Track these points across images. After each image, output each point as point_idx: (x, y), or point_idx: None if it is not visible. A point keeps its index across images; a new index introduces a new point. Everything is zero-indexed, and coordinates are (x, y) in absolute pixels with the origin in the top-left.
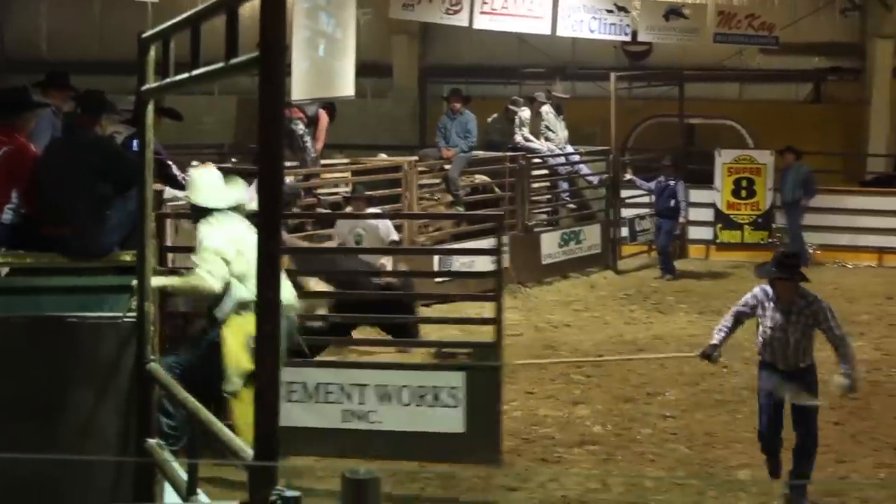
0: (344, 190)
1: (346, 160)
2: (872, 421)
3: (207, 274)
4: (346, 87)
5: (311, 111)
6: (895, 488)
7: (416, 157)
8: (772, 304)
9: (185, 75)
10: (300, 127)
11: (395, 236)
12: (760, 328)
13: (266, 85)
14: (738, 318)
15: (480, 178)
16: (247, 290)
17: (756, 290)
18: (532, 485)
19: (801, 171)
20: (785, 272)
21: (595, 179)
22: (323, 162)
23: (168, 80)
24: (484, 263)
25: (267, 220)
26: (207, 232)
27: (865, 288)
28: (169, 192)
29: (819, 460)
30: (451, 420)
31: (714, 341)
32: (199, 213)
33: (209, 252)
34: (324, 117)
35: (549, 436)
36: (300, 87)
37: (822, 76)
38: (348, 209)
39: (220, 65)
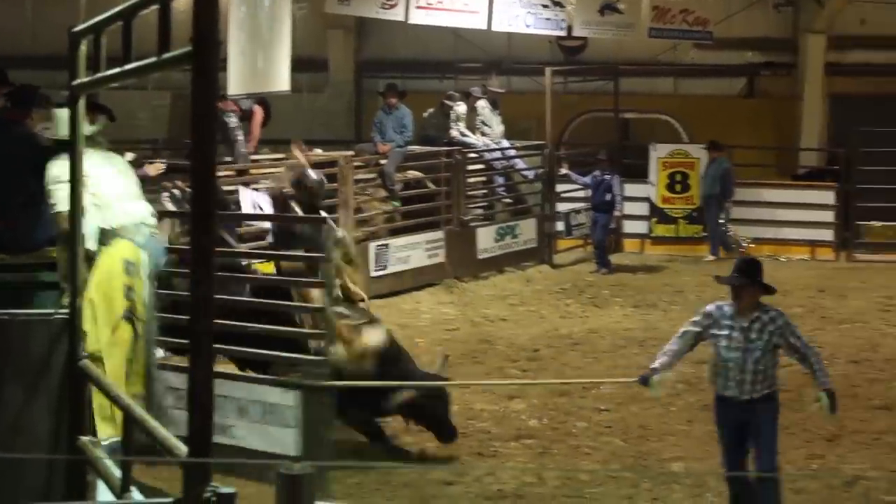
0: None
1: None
2: (804, 413)
3: (60, 203)
4: (281, 81)
5: (245, 105)
6: (828, 479)
7: (351, 152)
8: (728, 322)
9: (117, 70)
10: (233, 120)
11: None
12: (714, 353)
13: (199, 80)
14: (687, 339)
15: (413, 174)
16: (104, 220)
17: (709, 307)
18: (468, 479)
19: (721, 166)
20: (746, 278)
21: (531, 174)
22: (255, 157)
23: (100, 74)
24: (421, 258)
25: (200, 215)
26: (61, 164)
27: (798, 281)
28: None
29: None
30: (284, 441)
31: (654, 364)
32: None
33: (59, 182)
34: (258, 113)
35: (485, 430)
36: (236, 82)
37: (756, 71)
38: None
39: (153, 59)
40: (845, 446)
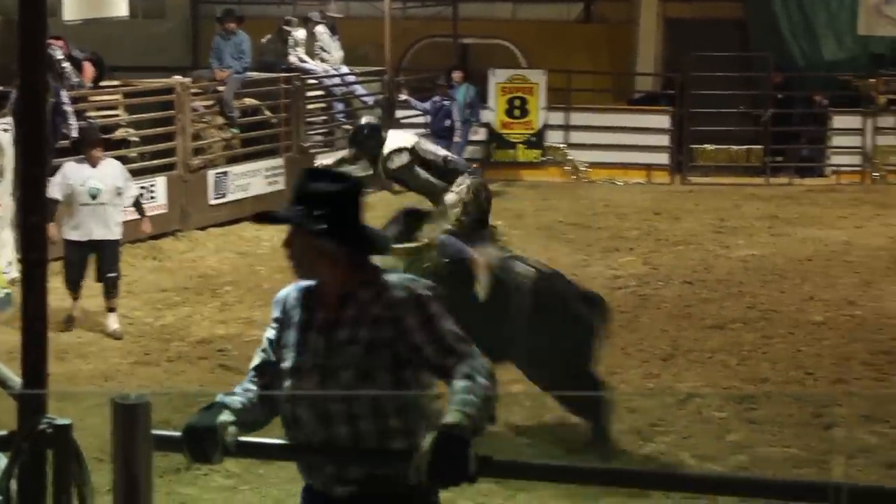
0: (115, 114)
1: (115, 82)
2: (640, 333)
3: None
4: (118, 6)
5: (77, 56)
6: (663, 397)
7: (189, 79)
8: (302, 316)
9: None
10: (58, 53)
11: (134, 189)
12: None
13: (27, 7)
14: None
15: (252, 101)
16: None
17: (283, 292)
18: None
19: (469, 91)
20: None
21: (370, 100)
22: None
23: None
24: (260, 186)
25: (30, 145)
26: None
27: (634, 204)
28: None
29: None
30: None
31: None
32: None
33: None
34: (88, 70)
35: None
36: (71, 7)
37: None
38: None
39: None
40: (679, 365)
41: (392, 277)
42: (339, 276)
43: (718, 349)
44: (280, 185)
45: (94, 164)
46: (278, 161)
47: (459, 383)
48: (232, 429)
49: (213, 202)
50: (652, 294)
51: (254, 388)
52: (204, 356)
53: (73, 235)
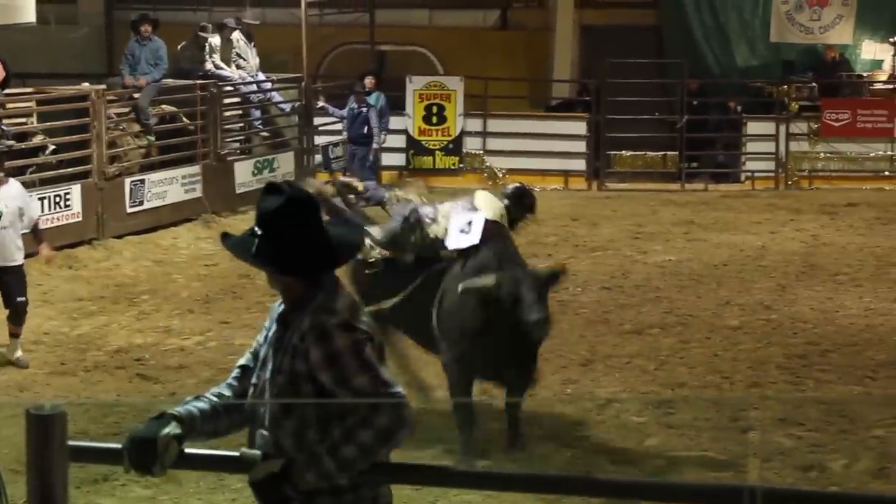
0: (28, 121)
1: (28, 90)
2: (559, 339)
3: None
4: (26, 13)
5: None
6: (582, 403)
7: (103, 86)
8: (273, 330)
9: None
10: None
11: (35, 211)
12: None
13: None
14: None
15: (168, 108)
16: None
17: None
18: None
19: (379, 99)
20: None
21: (287, 107)
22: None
23: None
24: (178, 193)
25: None
26: None
27: (552, 210)
28: None
29: None
30: None
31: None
32: None
33: None
34: None
35: None
36: None
37: (508, 3)
38: None
39: None
40: (598, 370)
41: (320, 300)
42: (288, 293)
43: (636, 354)
44: (197, 192)
45: None
46: (195, 168)
47: (337, 429)
48: (174, 444)
49: (129, 210)
50: (570, 300)
51: (228, 392)
52: (121, 366)
53: None
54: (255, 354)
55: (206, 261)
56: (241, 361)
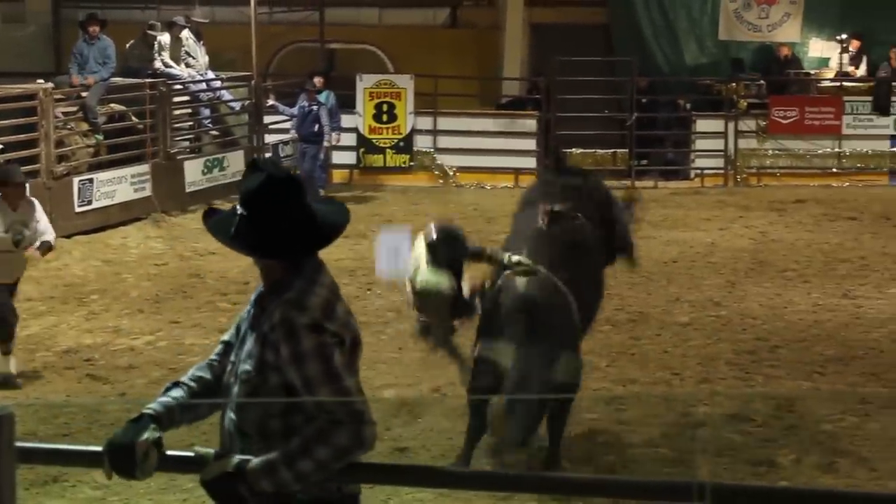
0: None
1: None
2: None
3: None
4: None
5: None
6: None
7: (51, 85)
8: (250, 310)
9: None
10: None
11: (51, 234)
12: None
13: None
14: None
15: (117, 107)
16: None
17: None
18: None
19: (329, 98)
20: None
21: (237, 106)
22: None
23: None
24: (127, 192)
25: None
26: None
27: (503, 208)
28: None
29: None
30: None
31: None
32: None
33: None
34: None
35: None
36: None
37: (458, 2)
38: None
39: None
40: None
41: (296, 290)
42: (268, 275)
43: (588, 351)
44: (146, 191)
45: (14, 207)
46: (144, 168)
47: (296, 441)
48: (153, 450)
49: (78, 209)
50: None
51: (207, 375)
52: (70, 366)
53: None
54: (239, 329)
55: (156, 260)
56: (225, 337)
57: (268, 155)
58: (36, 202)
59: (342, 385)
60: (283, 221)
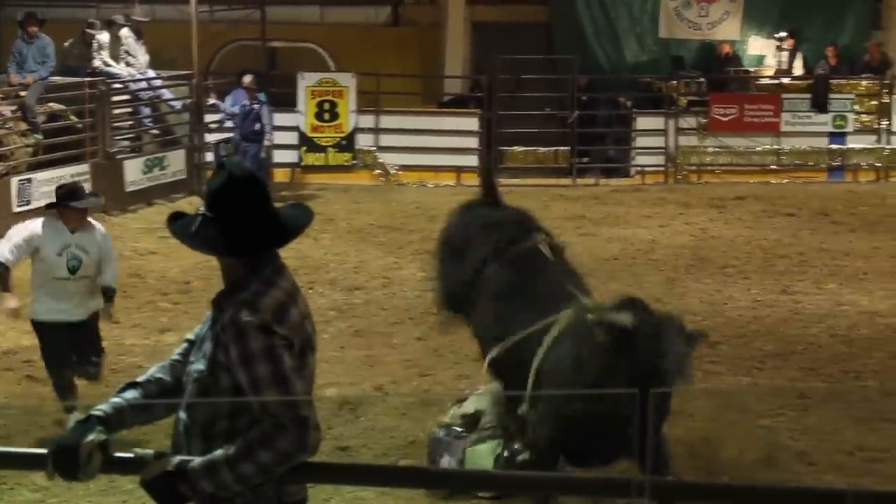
0: None
1: None
2: (453, 336)
3: None
4: None
5: None
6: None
7: None
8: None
9: None
10: None
11: (113, 271)
12: None
13: None
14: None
15: (56, 106)
16: None
17: None
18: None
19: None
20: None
21: (178, 104)
22: None
23: None
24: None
25: None
26: None
27: (445, 206)
28: None
29: (403, 374)
30: None
31: None
32: None
33: None
34: None
35: (137, 364)
36: None
37: (400, 0)
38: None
39: None
40: None
41: (250, 291)
42: (227, 275)
43: None
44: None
45: (73, 229)
46: (84, 167)
47: (239, 443)
48: (97, 453)
49: (16, 210)
50: None
51: (167, 377)
52: (9, 367)
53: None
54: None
55: None
56: (190, 336)
57: (208, 154)
58: (100, 228)
59: (289, 388)
60: (243, 220)
